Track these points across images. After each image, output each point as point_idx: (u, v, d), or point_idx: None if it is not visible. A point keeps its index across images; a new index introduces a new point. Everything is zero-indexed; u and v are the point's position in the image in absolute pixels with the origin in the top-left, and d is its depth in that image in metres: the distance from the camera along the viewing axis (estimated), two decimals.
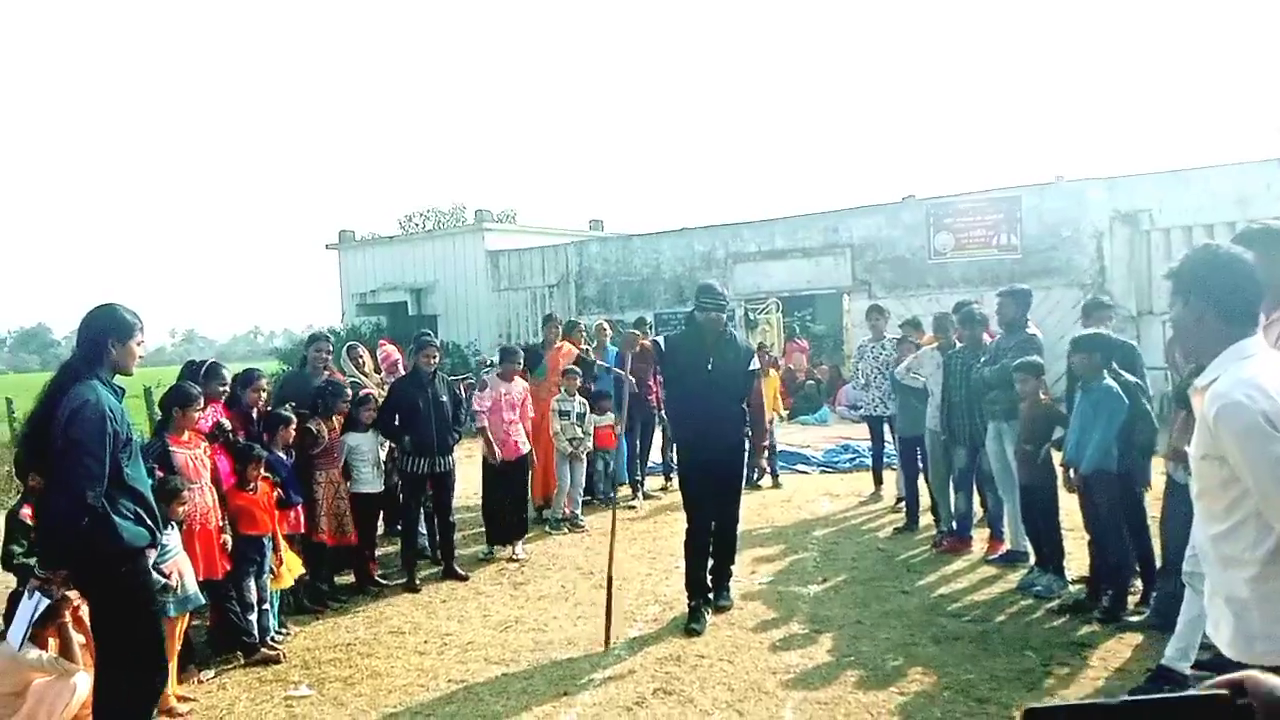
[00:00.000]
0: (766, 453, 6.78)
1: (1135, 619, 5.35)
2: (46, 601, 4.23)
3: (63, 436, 3.57)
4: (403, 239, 27.19)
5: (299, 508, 6.09)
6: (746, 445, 6.27)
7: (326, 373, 7.07)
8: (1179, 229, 14.83)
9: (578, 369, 8.91)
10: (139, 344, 3.91)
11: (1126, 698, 0.86)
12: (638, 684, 4.83)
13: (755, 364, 6.03)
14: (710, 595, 5.93)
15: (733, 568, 6.23)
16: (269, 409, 6.23)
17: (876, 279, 17.75)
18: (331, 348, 7.39)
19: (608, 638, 5.29)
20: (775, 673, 4.90)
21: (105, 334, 3.79)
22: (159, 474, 4.95)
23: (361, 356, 8.08)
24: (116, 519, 3.65)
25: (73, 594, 4.23)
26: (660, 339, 6.11)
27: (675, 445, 6.43)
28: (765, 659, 5.12)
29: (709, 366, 5.74)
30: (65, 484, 3.60)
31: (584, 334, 10.10)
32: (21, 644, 4.25)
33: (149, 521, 3.82)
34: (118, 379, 3.90)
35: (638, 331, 6.18)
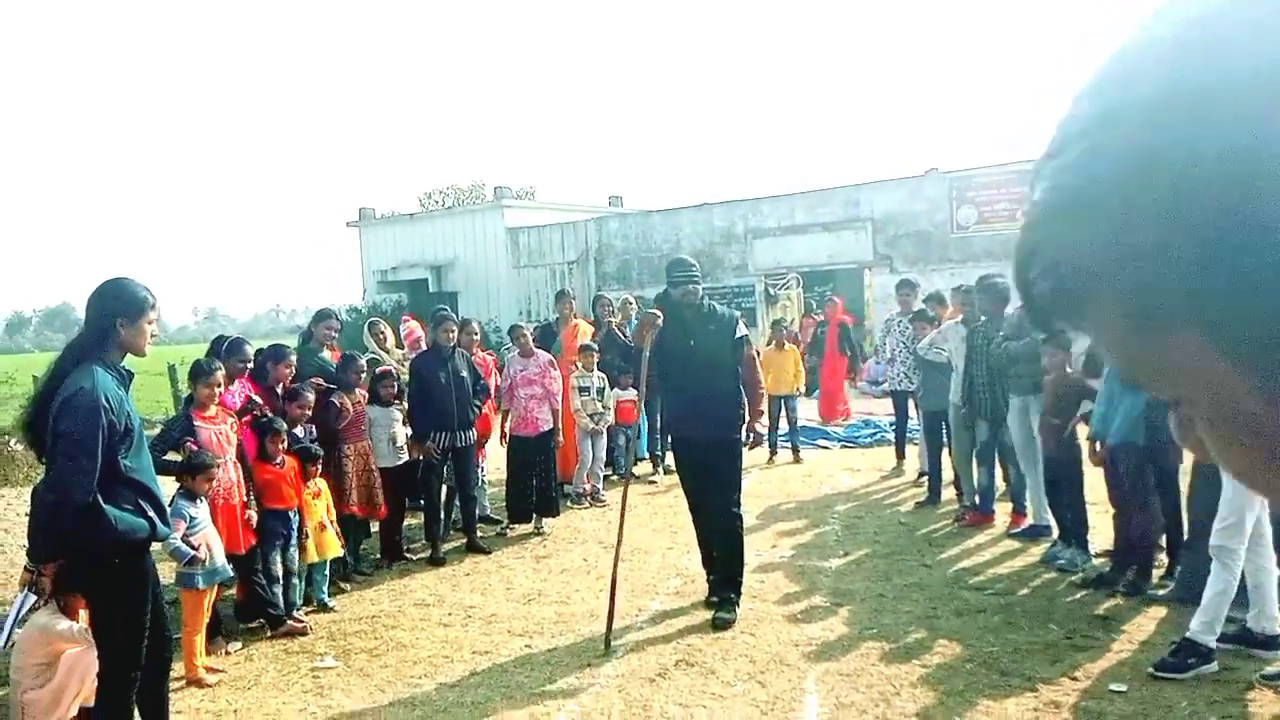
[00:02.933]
0: (765, 419, 5.95)
1: (1160, 592, 5.32)
2: (34, 598, 4.20)
3: (53, 428, 3.33)
4: (423, 216, 27.25)
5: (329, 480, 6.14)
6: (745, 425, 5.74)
7: (328, 351, 7.07)
8: None
9: (594, 345, 8.90)
10: (151, 323, 3.58)
11: None
12: (660, 656, 4.85)
13: (741, 330, 5.59)
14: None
15: (740, 577, 5.49)
16: (291, 384, 6.25)
17: (898, 253, 17.64)
18: (339, 325, 7.38)
19: (608, 640, 4.98)
20: (797, 645, 4.91)
21: (114, 313, 3.48)
22: (191, 448, 5.02)
23: (383, 333, 8.10)
24: (111, 510, 3.39)
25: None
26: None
27: (668, 427, 6.00)
28: (787, 631, 5.13)
29: (691, 343, 5.46)
30: (53, 479, 3.40)
31: (610, 308, 10.02)
32: (6, 641, 4.26)
33: (151, 513, 3.56)
34: (129, 360, 3.61)
35: (656, 311, 5.83)
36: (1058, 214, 0.44)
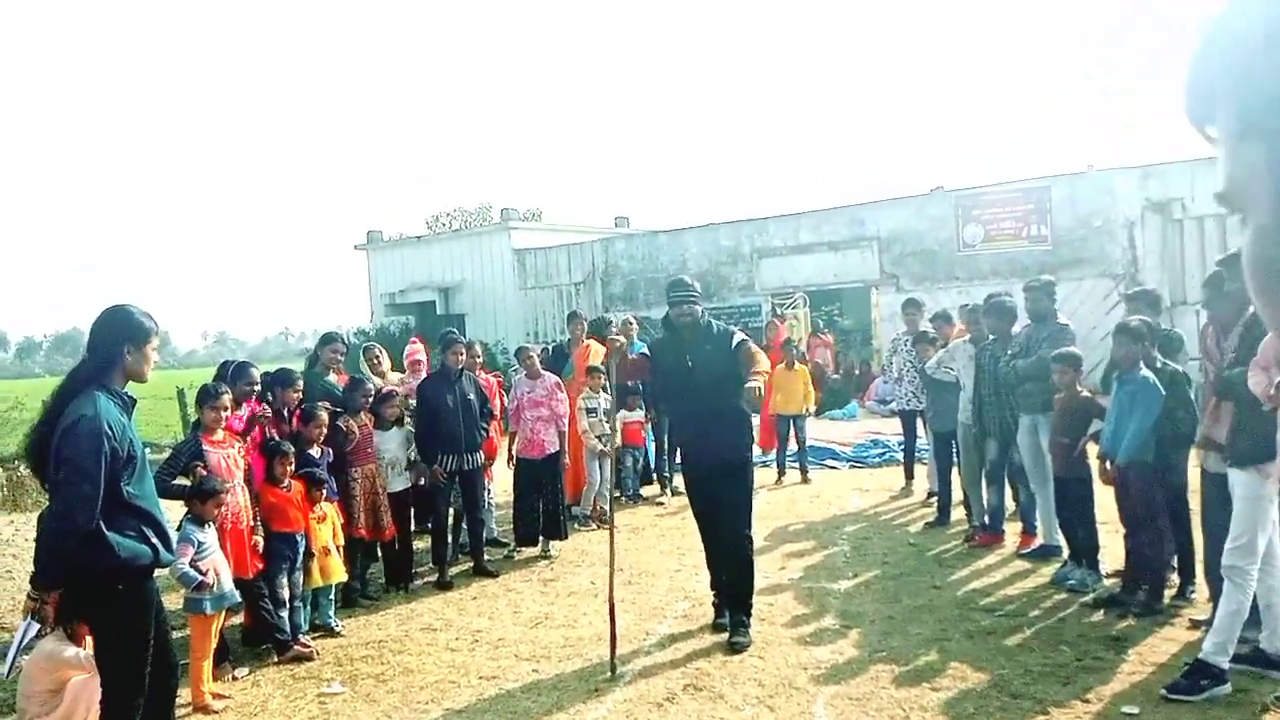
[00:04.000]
0: (758, 380, 5.66)
1: (1201, 617, 5.24)
2: (38, 625, 4.20)
3: (56, 454, 3.35)
4: (430, 239, 27.34)
5: (337, 504, 6.14)
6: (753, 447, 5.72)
7: (334, 374, 7.07)
8: (1212, 218, 14.61)
9: (602, 367, 8.90)
10: (154, 349, 3.66)
11: None
12: (668, 680, 4.82)
13: (739, 337, 5.46)
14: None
15: (751, 599, 5.49)
16: (301, 408, 6.26)
17: (904, 272, 17.63)
18: (345, 348, 7.37)
19: (613, 666, 4.96)
20: (806, 668, 4.87)
21: (120, 340, 3.53)
22: (201, 472, 5.02)
23: (378, 357, 8.06)
24: (114, 536, 3.40)
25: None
26: (645, 349, 5.82)
27: (676, 451, 5.80)
28: (796, 654, 5.09)
29: (688, 364, 5.38)
30: (57, 505, 3.41)
31: (613, 329, 10.05)
32: (10, 668, 4.25)
33: (154, 539, 3.57)
34: (132, 386, 3.65)
35: (620, 337, 5.67)
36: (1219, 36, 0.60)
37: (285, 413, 6.14)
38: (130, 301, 3.72)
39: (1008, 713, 4.18)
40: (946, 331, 8.34)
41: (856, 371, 18.65)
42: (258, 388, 5.92)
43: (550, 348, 10.72)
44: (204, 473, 5.03)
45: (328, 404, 6.49)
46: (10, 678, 4.24)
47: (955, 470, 7.88)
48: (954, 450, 7.82)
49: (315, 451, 6.04)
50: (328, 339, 7.27)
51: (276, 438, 5.81)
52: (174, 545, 3.88)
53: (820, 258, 18.76)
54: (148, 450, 3.77)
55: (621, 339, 5.68)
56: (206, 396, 5.25)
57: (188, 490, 4.95)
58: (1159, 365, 5.47)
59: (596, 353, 9.36)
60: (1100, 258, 15.62)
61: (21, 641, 4.28)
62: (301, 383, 6.29)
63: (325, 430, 6.12)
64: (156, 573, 3.70)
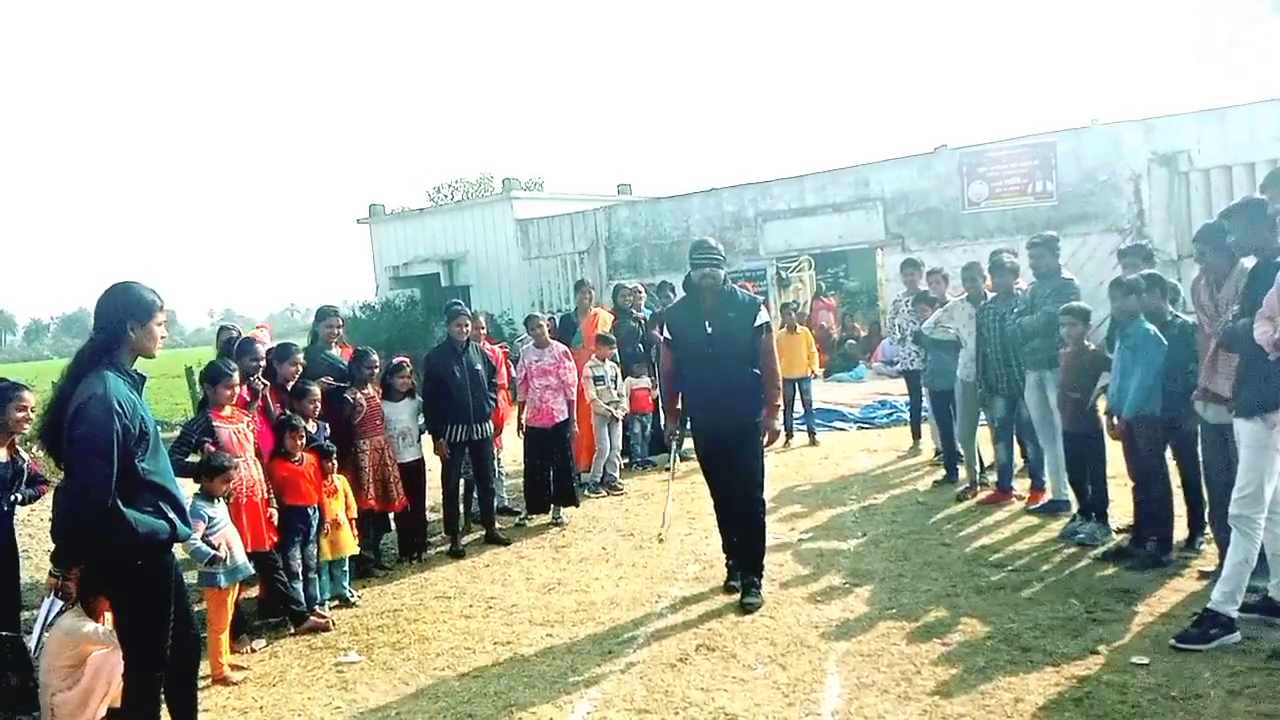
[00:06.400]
0: (780, 415, 5.85)
1: (1209, 568, 5.26)
2: (61, 602, 4.26)
3: (68, 434, 3.35)
4: (432, 210, 27.20)
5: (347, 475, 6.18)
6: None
7: (337, 348, 7.09)
8: (1219, 169, 14.47)
9: (610, 336, 8.91)
10: (160, 324, 3.62)
11: None
12: (681, 641, 4.87)
13: (763, 317, 5.48)
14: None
15: (762, 560, 5.56)
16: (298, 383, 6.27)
17: (910, 232, 17.52)
18: (341, 321, 7.35)
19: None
20: (817, 626, 4.92)
21: (123, 317, 3.51)
22: (209, 448, 5.05)
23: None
24: (131, 513, 3.40)
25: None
26: (658, 311, 5.79)
27: (689, 417, 5.80)
28: (807, 613, 5.14)
29: (707, 330, 5.35)
30: (71, 484, 3.42)
31: (630, 298, 9.97)
32: (36, 647, 4.32)
33: (171, 514, 3.58)
34: (140, 363, 3.63)
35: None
36: None
37: (288, 387, 6.17)
38: (131, 278, 3.70)
39: (1018, 666, 4.21)
40: (942, 289, 8.38)
41: (864, 333, 18.62)
42: (263, 363, 5.96)
43: (560, 317, 10.71)
44: (212, 449, 5.06)
45: (331, 378, 6.52)
46: (37, 655, 4.30)
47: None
48: (953, 407, 7.81)
49: (311, 426, 6.03)
50: (323, 314, 7.26)
51: (288, 412, 5.84)
52: (189, 520, 3.91)
53: (825, 219, 18.63)
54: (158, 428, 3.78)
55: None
56: (219, 376, 5.28)
57: (196, 467, 4.98)
58: (1169, 318, 5.45)
59: (604, 321, 9.36)
60: (1106, 212, 15.50)
61: (45, 618, 4.35)
62: (300, 356, 6.31)
63: (318, 405, 6.11)
64: (172, 547, 3.73)
